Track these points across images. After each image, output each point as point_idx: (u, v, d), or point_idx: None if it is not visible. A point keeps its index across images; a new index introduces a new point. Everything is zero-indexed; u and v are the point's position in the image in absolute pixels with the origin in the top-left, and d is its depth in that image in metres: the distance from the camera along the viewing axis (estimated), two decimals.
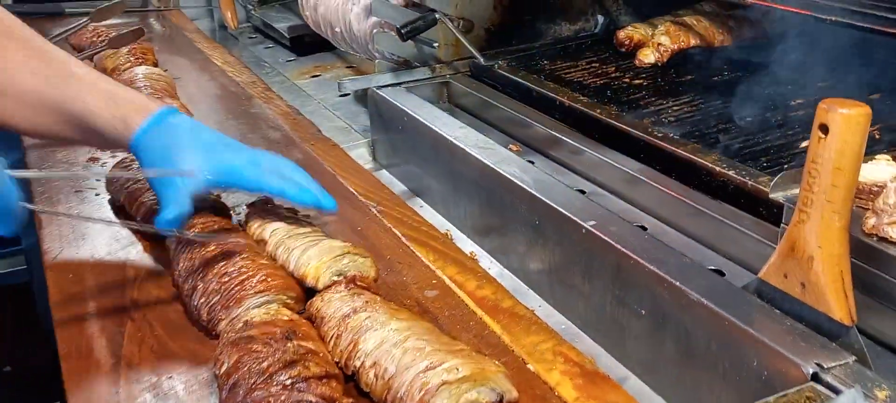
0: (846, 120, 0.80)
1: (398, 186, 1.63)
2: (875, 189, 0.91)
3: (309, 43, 2.59)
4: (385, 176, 1.69)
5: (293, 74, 2.39)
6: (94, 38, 2.14)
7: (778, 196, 0.98)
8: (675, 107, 1.45)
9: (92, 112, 1.14)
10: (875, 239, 0.87)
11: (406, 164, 1.64)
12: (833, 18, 1.26)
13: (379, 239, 1.26)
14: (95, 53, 2.05)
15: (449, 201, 1.48)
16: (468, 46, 1.67)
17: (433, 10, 1.67)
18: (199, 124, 1.20)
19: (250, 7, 2.94)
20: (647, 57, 1.63)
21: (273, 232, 1.16)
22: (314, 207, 1.17)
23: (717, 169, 1.17)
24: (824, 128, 0.81)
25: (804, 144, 1.27)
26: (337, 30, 1.92)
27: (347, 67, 2.45)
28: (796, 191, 1.00)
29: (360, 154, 1.75)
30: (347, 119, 1.96)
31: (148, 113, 1.15)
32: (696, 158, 1.21)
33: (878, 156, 0.99)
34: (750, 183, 1.12)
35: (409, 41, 1.71)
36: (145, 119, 1.14)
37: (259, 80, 2.09)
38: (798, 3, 1.29)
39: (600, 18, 1.89)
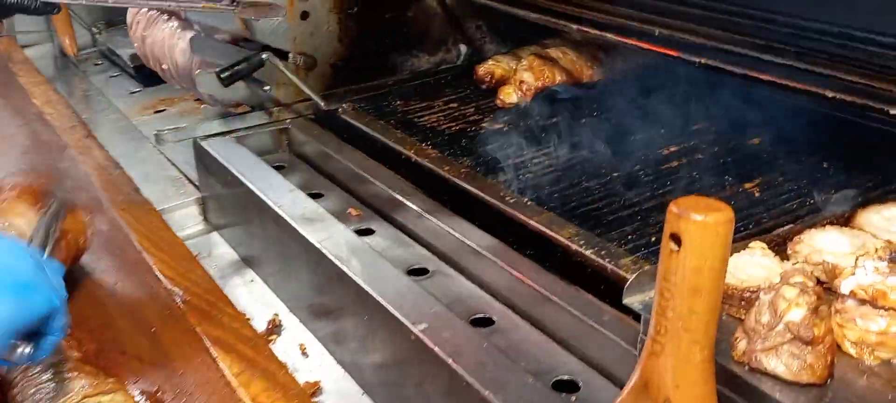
0: (703, 229, 0.62)
1: (228, 255, 1.40)
2: (747, 294, 0.74)
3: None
4: (215, 240, 1.46)
5: (134, 110, 2.12)
6: None
7: (634, 302, 0.79)
8: (535, 160, 1.27)
9: None
10: (747, 368, 0.69)
11: (238, 227, 1.41)
12: (701, 61, 1.10)
13: (176, 345, 1.04)
14: None
15: (280, 276, 1.26)
16: (306, 90, 1.44)
17: (265, 47, 1.44)
18: None
19: (96, 31, 2.65)
20: (510, 96, 1.44)
21: None
22: None
23: (573, 246, 0.99)
24: (676, 239, 0.63)
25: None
26: (165, 66, 1.67)
27: (197, 100, 2.18)
28: None
29: (190, 213, 1.52)
30: (185, 166, 1.71)
31: None
32: (549, 232, 1.02)
33: (752, 244, 0.82)
34: (610, 267, 0.94)
35: (241, 82, 1.48)
36: None
37: (80, 124, 1.82)
38: (663, 43, 1.12)
39: (462, 48, 1.69)
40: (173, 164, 1.70)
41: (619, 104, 1.39)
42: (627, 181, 1.18)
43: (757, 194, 1.11)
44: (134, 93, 2.27)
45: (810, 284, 0.67)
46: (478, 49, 1.70)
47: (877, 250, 0.70)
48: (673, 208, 0.63)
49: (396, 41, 1.62)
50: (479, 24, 1.70)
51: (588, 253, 0.97)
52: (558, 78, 1.45)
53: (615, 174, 1.20)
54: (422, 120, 1.46)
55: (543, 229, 1.03)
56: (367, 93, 1.56)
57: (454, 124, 1.43)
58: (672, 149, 1.26)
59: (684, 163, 1.22)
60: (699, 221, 0.62)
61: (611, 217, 1.10)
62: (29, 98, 1.99)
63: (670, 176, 1.19)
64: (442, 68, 1.68)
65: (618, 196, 1.15)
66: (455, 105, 1.50)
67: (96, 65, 2.56)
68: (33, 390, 0.96)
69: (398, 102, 1.53)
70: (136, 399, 1.00)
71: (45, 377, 0.97)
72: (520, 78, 1.44)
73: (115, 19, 2.59)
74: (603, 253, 0.96)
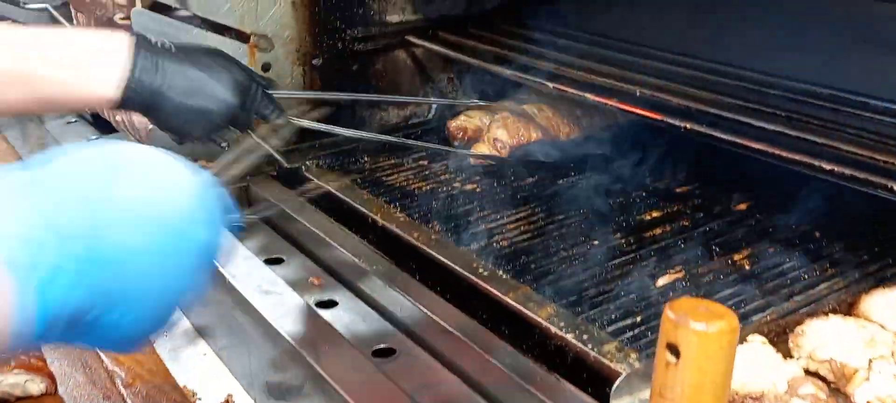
0: (704, 340, 0.54)
1: (181, 323, 1.29)
2: (751, 401, 0.66)
3: None
4: None
5: None
6: None
7: None
8: (510, 225, 1.19)
9: None
10: None
11: None
12: (687, 126, 1.03)
13: None
14: None
15: (235, 350, 1.17)
16: (265, 146, 1.36)
17: None
18: None
19: None
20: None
21: None
22: None
23: (552, 329, 0.91)
24: (674, 350, 0.55)
25: (662, 283, 1.02)
26: (118, 118, 1.58)
27: None
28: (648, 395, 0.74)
29: None
30: None
31: None
32: (526, 311, 0.94)
33: (750, 337, 0.74)
34: (593, 354, 0.86)
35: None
36: None
37: None
38: (644, 105, 1.05)
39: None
40: None
41: (598, 164, 1.32)
42: (608, 251, 1.10)
43: (747, 267, 1.04)
44: (91, 140, 2.17)
45: (823, 396, 0.59)
46: (450, 103, 1.62)
47: (893, 353, 0.63)
48: (669, 313, 0.55)
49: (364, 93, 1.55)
50: (451, 76, 1.63)
51: (569, 337, 0.89)
52: (534, 135, 1.37)
53: (595, 242, 1.12)
54: (390, 178, 1.38)
55: (519, 307, 0.95)
56: (332, 149, 1.47)
57: (425, 184, 1.35)
58: (654, 214, 1.19)
59: (668, 230, 1.15)
60: (700, 331, 0.54)
61: (592, 291, 1.02)
62: None
63: (653, 245, 1.11)
64: (412, 122, 1.61)
65: (598, 266, 1.07)
66: (425, 162, 1.42)
67: None
68: None
69: (365, 159, 1.45)
70: None
71: None
72: (494, 135, 1.36)
73: None
74: (585, 337, 0.88)
